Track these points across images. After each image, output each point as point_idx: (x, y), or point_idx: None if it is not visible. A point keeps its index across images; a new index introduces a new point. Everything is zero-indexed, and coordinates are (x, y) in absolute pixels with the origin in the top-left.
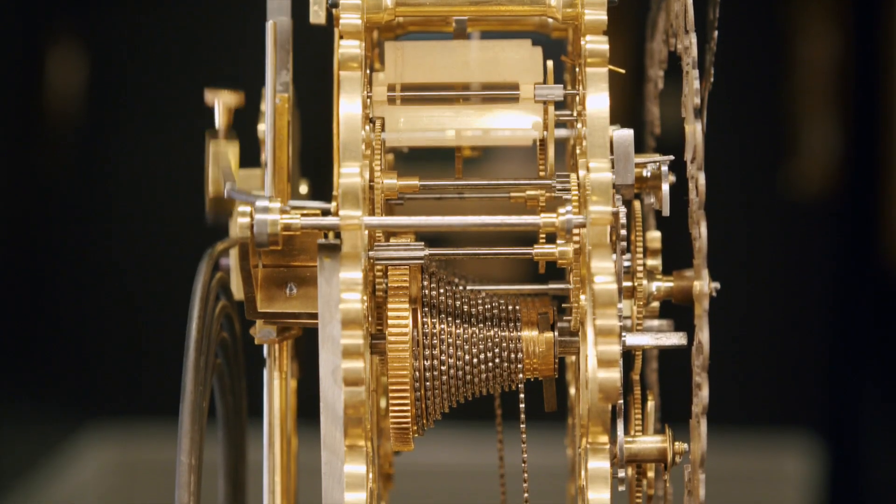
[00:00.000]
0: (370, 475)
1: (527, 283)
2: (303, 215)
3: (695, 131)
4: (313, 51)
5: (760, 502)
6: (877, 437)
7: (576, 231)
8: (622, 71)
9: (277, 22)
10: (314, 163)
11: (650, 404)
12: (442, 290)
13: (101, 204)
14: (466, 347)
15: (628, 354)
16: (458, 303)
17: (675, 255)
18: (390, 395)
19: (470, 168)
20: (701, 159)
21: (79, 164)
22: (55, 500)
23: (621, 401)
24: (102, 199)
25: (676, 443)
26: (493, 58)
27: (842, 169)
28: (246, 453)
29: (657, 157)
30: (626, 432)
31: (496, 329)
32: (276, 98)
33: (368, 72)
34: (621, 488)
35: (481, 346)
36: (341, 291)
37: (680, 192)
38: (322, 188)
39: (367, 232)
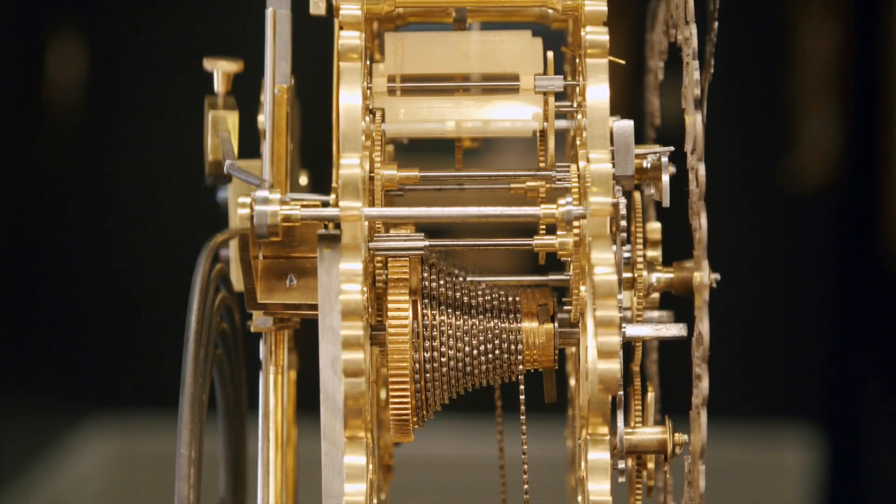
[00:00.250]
0: (370, 466)
1: (527, 274)
2: (303, 206)
3: (695, 122)
4: (313, 42)
5: (760, 493)
6: (877, 429)
7: (576, 222)
8: (622, 62)
9: (277, 12)
10: (314, 154)
11: (650, 395)
12: (442, 282)
13: (101, 196)
14: (466, 339)
15: (628, 345)
16: (458, 294)
17: (676, 246)
18: (390, 386)
19: (470, 159)
20: (701, 150)
21: (78, 157)
22: (56, 492)
23: (621, 392)
24: (102, 191)
25: (676, 434)
26: (493, 49)
27: (842, 160)
28: (246, 445)
29: (657, 148)
30: (626, 423)
31: (496, 320)
32: (275, 88)
33: (368, 63)
34: (621, 479)
35: (481, 338)
36: (341, 282)
37: (680, 183)
38: (322, 179)
39: (366, 223)
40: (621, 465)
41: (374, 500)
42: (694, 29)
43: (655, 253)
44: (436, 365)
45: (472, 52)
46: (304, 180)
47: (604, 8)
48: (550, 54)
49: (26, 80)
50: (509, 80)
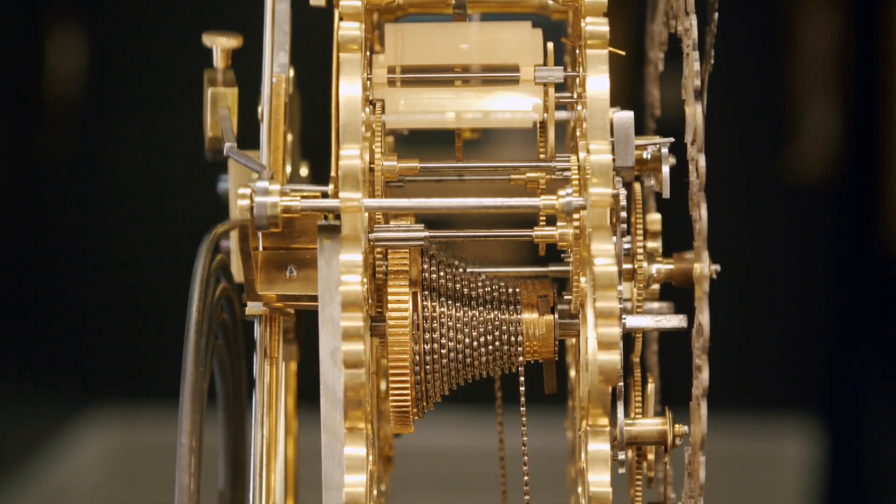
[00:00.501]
0: (370, 458)
1: (527, 265)
2: (303, 197)
3: (695, 113)
4: (313, 33)
5: (760, 485)
6: (877, 421)
7: (576, 213)
8: (622, 53)
9: (276, 3)
10: (315, 145)
11: (650, 387)
12: (442, 273)
13: (102, 188)
14: (466, 330)
15: (628, 337)
16: (458, 285)
17: (676, 238)
18: (390, 377)
19: (470, 150)
20: (701, 141)
21: (79, 148)
22: (57, 483)
23: (621, 383)
24: (103, 183)
25: (676, 425)
26: (493, 40)
27: (842, 151)
28: (246, 435)
29: (657, 139)
30: (627, 415)
31: (496, 312)
32: (273, 78)
33: (368, 54)
34: (621, 471)
35: (481, 329)
36: (341, 273)
37: (680, 174)
38: (322, 170)
39: (366, 214)
40: (621, 456)
41: (374, 492)
42: (694, 20)
43: (655, 244)
44: (436, 356)
45: (472, 43)
46: (304, 171)
47: None
48: (550, 45)
49: (25, 72)
50: (509, 71)
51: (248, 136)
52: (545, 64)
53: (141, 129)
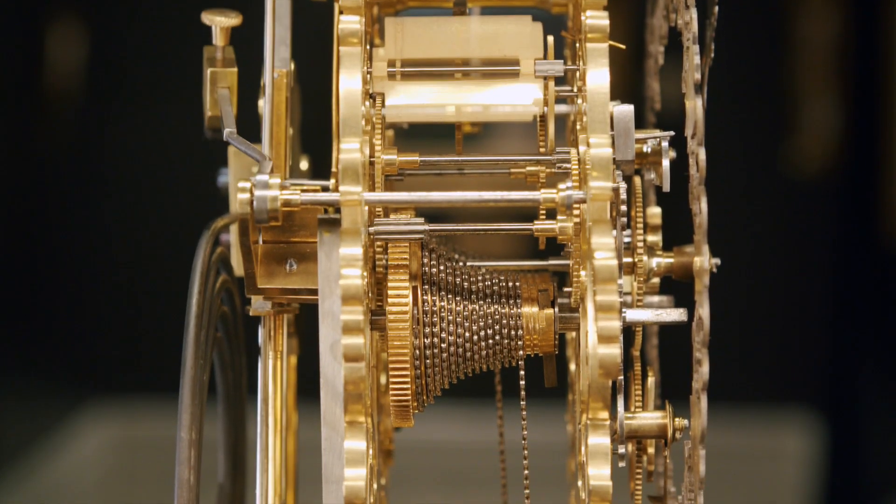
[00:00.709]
0: (370, 451)
1: (527, 259)
2: (303, 191)
3: (695, 107)
4: (314, 26)
5: (760, 478)
6: (877, 415)
7: (576, 207)
8: (622, 46)
9: None
10: (314, 139)
11: (650, 380)
12: (442, 267)
13: (101, 182)
14: (466, 324)
15: (628, 330)
16: (458, 279)
17: (676, 231)
18: (390, 371)
19: (470, 144)
20: (701, 135)
21: (78, 142)
22: (56, 477)
23: (621, 377)
24: (102, 176)
25: (677, 419)
26: (493, 33)
27: (843, 145)
28: (246, 429)
29: (657, 132)
30: (627, 408)
31: (496, 306)
32: (274, 73)
33: (368, 47)
34: (621, 464)
35: (481, 323)
36: (341, 267)
37: (680, 167)
38: (322, 164)
39: (366, 208)
40: (621, 449)
41: (375, 485)
42: (694, 13)
43: (656, 238)
44: (436, 350)
45: (473, 36)
46: (304, 165)
47: None
48: (551, 39)
49: (24, 65)
50: (509, 64)
51: (250, 131)
52: (545, 58)
53: (141, 122)
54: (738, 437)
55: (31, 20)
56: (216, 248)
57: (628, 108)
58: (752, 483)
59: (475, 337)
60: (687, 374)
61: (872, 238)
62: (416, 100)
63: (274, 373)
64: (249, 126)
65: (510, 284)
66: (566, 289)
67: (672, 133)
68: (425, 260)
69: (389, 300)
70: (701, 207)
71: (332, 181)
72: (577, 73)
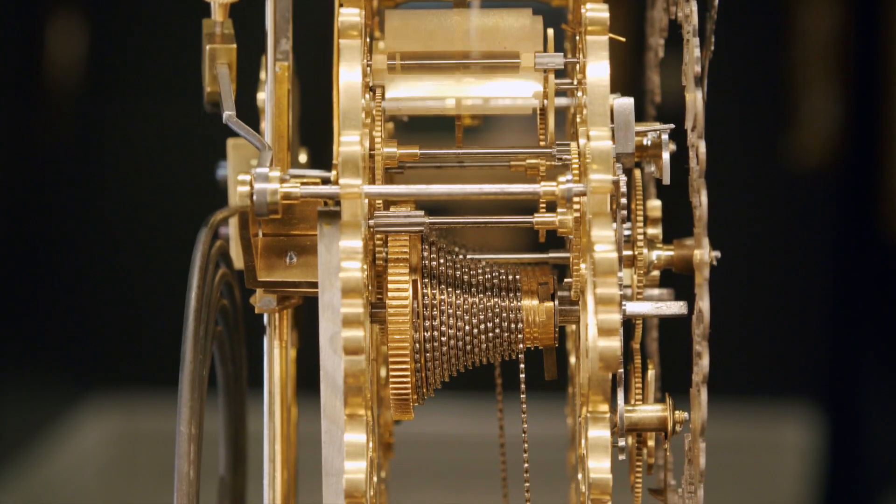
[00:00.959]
0: (370, 444)
1: (527, 251)
2: (303, 184)
3: (695, 100)
4: (314, 19)
5: (760, 471)
6: (877, 407)
7: (576, 199)
8: (622, 39)
9: None
10: (314, 131)
11: (650, 373)
12: (442, 260)
13: (101, 174)
14: (467, 317)
15: (629, 323)
16: (458, 272)
17: (676, 224)
18: (390, 364)
19: (470, 137)
20: (701, 128)
21: (77, 134)
22: (56, 470)
23: (621, 370)
24: (101, 169)
25: (677, 412)
26: (493, 26)
27: (843, 138)
28: (246, 422)
29: (657, 125)
30: (627, 401)
31: (496, 299)
32: (275, 66)
33: (368, 40)
34: (621, 457)
35: (481, 316)
36: (341, 260)
37: (680, 160)
38: (322, 157)
39: (366, 200)
40: (621, 442)
41: (374, 478)
42: (694, 6)
43: (656, 230)
44: (436, 343)
45: (473, 29)
46: (303, 158)
47: None
48: (551, 32)
49: (24, 58)
50: (509, 57)
51: (249, 125)
52: (545, 50)
53: (140, 116)
54: (739, 430)
55: (31, 14)
56: (215, 241)
57: (628, 101)
58: (751, 476)
59: (475, 330)
60: (687, 367)
61: (873, 231)
62: (415, 92)
63: (281, 367)
64: (249, 123)
65: (510, 277)
66: (566, 280)
67: (672, 126)
68: (425, 253)
69: (389, 293)
70: (701, 200)
71: (333, 173)
72: (577, 66)
